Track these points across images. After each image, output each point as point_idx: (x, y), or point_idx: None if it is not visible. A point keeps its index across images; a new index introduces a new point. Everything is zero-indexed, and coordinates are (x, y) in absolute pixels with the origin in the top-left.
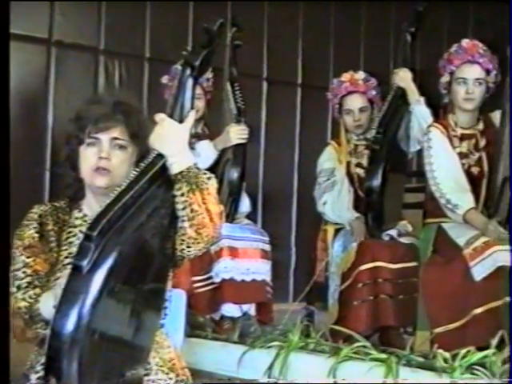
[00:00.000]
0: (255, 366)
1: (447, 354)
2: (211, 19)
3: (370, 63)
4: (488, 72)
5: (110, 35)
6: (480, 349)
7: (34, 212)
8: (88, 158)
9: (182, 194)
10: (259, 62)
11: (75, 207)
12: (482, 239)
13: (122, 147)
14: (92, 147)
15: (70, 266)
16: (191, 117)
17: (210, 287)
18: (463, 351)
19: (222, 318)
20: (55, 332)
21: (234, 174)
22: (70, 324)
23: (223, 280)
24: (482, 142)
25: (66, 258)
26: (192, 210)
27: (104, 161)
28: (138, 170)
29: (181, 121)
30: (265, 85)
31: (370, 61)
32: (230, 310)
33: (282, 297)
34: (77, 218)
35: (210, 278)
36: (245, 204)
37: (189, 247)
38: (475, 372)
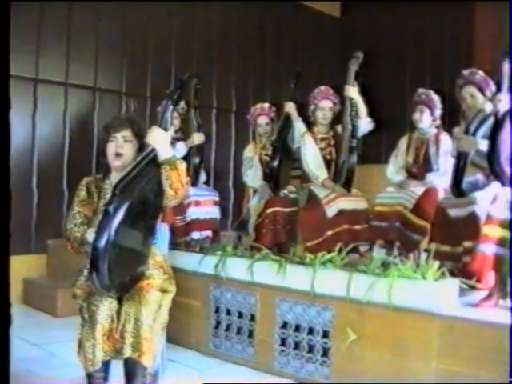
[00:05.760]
0: (208, 265)
1: (312, 256)
2: (183, 73)
3: (273, 97)
4: (335, 104)
5: (128, 82)
6: (329, 252)
7: (84, 181)
8: (110, 148)
9: (166, 171)
10: (211, 96)
11: (106, 178)
12: (332, 194)
13: (128, 141)
14: (112, 142)
15: (102, 211)
16: (171, 130)
17: (184, 222)
18: (320, 254)
19: (191, 239)
20: (95, 246)
21: (196, 160)
22: (102, 242)
23: (192, 219)
24: (332, 142)
25: (102, 206)
26: (172, 180)
27: (119, 149)
28: (140, 157)
29: (165, 129)
30: (214, 111)
31: (273, 95)
32: (195, 235)
33: (224, 227)
34: (107, 184)
35: (184, 217)
36: (203, 176)
37: (170, 201)
38: (327, 265)
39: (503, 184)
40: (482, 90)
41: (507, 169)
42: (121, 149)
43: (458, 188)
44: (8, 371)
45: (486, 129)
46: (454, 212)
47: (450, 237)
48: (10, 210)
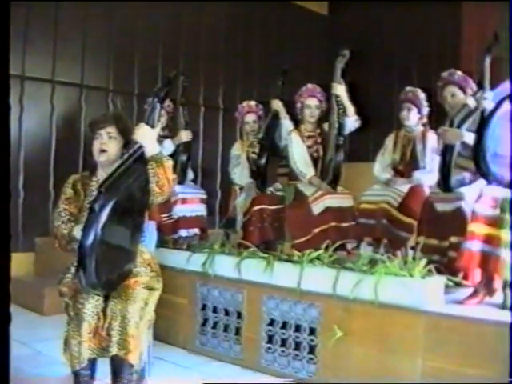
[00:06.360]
0: (195, 263)
1: (300, 254)
2: (170, 71)
3: (260, 95)
4: (321, 102)
5: (115, 80)
6: (316, 250)
7: (71, 178)
8: (95, 145)
9: (153, 168)
10: (198, 94)
11: (93, 175)
12: (319, 192)
13: (113, 137)
14: (97, 139)
15: (88, 209)
16: (158, 128)
17: (171, 220)
18: (308, 252)
19: (179, 237)
20: (81, 244)
21: (184, 157)
22: (89, 240)
23: (179, 217)
24: (319, 140)
25: (87, 204)
26: (158, 177)
27: (103, 145)
28: (127, 154)
29: (152, 126)
30: (201, 109)
31: (259, 94)
32: (182, 233)
33: (212, 225)
34: (93, 181)
35: (171, 215)
36: (190, 174)
37: (156, 198)
38: (314, 263)
39: (489, 182)
40: (462, 89)
41: (493, 166)
42: (105, 145)
43: (445, 184)
44: (8, 368)
45: (469, 124)
46: (440, 206)
47: (436, 231)
48: (9, 210)
